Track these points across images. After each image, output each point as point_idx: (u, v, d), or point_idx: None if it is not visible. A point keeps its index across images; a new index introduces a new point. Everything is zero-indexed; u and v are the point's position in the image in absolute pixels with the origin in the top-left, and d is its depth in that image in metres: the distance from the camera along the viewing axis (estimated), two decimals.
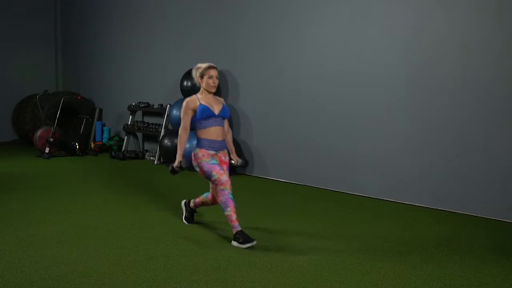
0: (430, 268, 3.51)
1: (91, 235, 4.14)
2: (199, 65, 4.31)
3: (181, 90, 7.49)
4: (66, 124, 9.43)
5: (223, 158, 4.24)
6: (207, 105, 4.17)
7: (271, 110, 6.91)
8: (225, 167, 4.23)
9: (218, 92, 7.65)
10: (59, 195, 5.67)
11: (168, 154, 7.70)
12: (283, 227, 4.48)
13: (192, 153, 4.22)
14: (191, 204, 4.55)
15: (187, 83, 7.40)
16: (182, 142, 4.23)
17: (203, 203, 4.47)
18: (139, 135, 9.10)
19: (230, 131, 4.48)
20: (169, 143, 7.68)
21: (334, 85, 6.17)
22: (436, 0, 5.31)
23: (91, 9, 10.20)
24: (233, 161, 4.42)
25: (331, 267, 3.50)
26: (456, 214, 5.09)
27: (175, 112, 7.60)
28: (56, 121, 8.74)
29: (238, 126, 7.44)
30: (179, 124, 8.09)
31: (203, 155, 4.12)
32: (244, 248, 3.83)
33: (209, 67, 4.24)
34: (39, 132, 8.71)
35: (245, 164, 4.38)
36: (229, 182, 4.01)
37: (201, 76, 4.24)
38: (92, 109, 9.80)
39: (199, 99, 4.22)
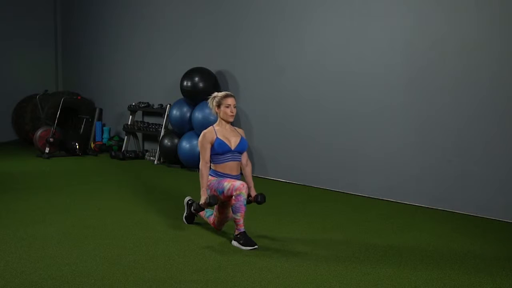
0: (430, 268, 3.51)
1: (91, 235, 4.14)
2: (215, 94, 4.19)
3: (181, 90, 7.49)
4: (66, 124, 9.42)
5: None
6: (223, 139, 4.02)
7: (271, 110, 6.91)
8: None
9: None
10: (59, 195, 5.67)
11: (168, 154, 7.71)
12: (283, 227, 4.48)
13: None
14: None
15: (187, 83, 7.40)
16: (204, 177, 4.02)
17: (202, 217, 4.42)
18: (139, 135, 9.10)
19: (250, 164, 4.28)
20: (169, 143, 7.68)
21: (334, 85, 6.17)
22: (436, 0, 5.31)
23: (92, 9, 10.20)
24: (250, 198, 4.09)
25: (331, 267, 3.49)
26: (456, 214, 5.09)
27: (175, 112, 7.60)
28: (56, 121, 8.74)
29: (238, 126, 7.43)
30: (179, 124, 8.16)
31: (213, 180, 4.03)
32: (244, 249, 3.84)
33: (226, 96, 4.10)
34: (39, 132, 8.71)
35: (263, 199, 4.09)
36: (245, 186, 3.88)
37: (218, 106, 4.10)
38: (92, 109, 9.80)
39: (216, 131, 4.06)
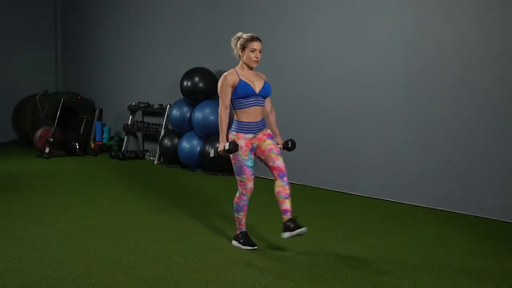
0: (430, 268, 3.51)
1: (91, 235, 4.14)
2: (239, 34, 3.78)
3: (181, 90, 7.49)
4: (66, 124, 9.42)
5: (264, 137, 3.79)
6: (247, 81, 3.71)
7: None
8: (273, 147, 3.75)
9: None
10: (59, 195, 5.67)
11: (168, 154, 7.71)
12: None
13: (228, 136, 3.80)
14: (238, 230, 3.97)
15: (187, 83, 7.40)
16: (224, 123, 3.74)
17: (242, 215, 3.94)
18: (139, 135, 9.10)
19: (274, 112, 3.98)
20: (169, 143, 7.68)
21: (334, 85, 6.17)
22: (436, 0, 5.31)
23: (91, 9, 10.20)
24: (279, 145, 3.90)
25: (331, 267, 3.49)
26: (456, 214, 5.09)
27: (175, 112, 7.60)
28: (56, 121, 8.74)
29: None
30: (179, 124, 8.15)
31: (241, 148, 3.70)
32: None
33: (253, 39, 3.71)
34: (39, 132, 8.71)
35: (294, 145, 3.88)
36: (251, 191, 3.79)
37: (243, 48, 3.73)
38: (92, 109, 9.80)
39: (238, 74, 3.74)
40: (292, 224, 3.59)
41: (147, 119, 8.91)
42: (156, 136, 8.48)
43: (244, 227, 3.90)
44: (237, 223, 3.92)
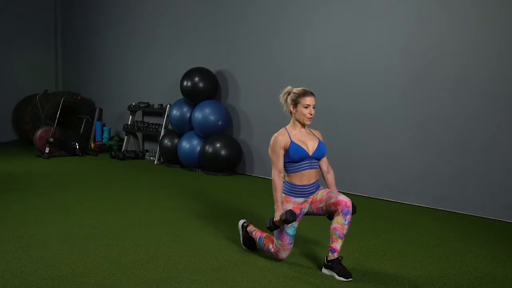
0: (430, 268, 3.51)
1: (91, 235, 4.14)
2: (289, 88, 3.55)
3: (181, 90, 7.49)
4: (66, 124, 9.43)
5: (316, 197, 3.50)
6: (299, 143, 3.44)
7: (271, 110, 6.90)
8: (330, 190, 3.50)
9: (220, 93, 7.66)
10: (59, 195, 5.67)
11: (168, 154, 7.71)
12: None
13: None
14: (250, 231, 3.79)
15: (187, 83, 7.40)
16: (278, 189, 3.42)
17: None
18: (139, 135, 9.10)
19: (332, 172, 3.65)
20: (169, 143, 7.68)
21: (334, 85, 6.17)
22: (436, 0, 5.31)
23: (91, 9, 10.21)
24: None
25: None
26: (456, 214, 5.09)
27: (175, 112, 7.60)
28: (56, 121, 8.74)
29: (238, 126, 7.44)
30: (179, 124, 8.14)
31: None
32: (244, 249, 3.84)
33: (305, 93, 3.46)
34: (39, 132, 8.71)
35: (354, 210, 3.38)
36: (283, 259, 3.56)
37: (295, 104, 3.47)
38: (92, 109, 9.80)
39: (290, 134, 3.47)
40: (346, 271, 3.27)
41: (147, 119, 8.91)
42: (156, 136, 8.48)
43: (254, 234, 3.77)
44: (251, 231, 3.75)
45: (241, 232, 3.84)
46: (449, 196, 5.21)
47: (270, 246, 3.56)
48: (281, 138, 3.46)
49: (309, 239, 4.17)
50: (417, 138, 5.46)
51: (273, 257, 3.64)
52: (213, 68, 7.58)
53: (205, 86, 7.34)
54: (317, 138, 3.55)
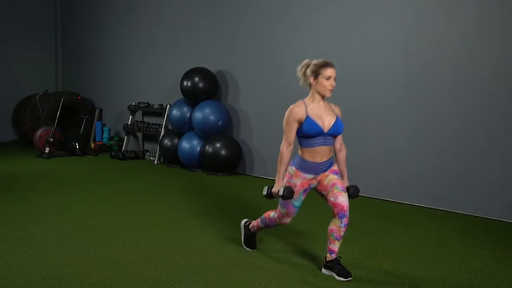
0: (430, 268, 3.51)
1: (91, 235, 4.14)
2: (307, 61, 3.42)
3: (181, 90, 7.49)
4: (66, 124, 9.43)
5: (327, 172, 3.40)
6: (315, 118, 3.30)
7: (271, 110, 6.91)
8: (337, 182, 3.36)
9: (220, 93, 7.66)
10: (59, 195, 5.67)
11: (168, 154, 7.71)
12: (282, 227, 4.47)
13: (288, 168, 3.42)
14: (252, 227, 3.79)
15: (187, 83, 7.40)
16: (284, 162, 3.34)
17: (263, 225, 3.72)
18: (139, 135, 9.10)
19: (344, 150, 3.59)
20: (169, 143, 7.68)
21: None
22: (436, 0, 5.31)
23: (91, 9, 10.20)
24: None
25: None
26: (456, 214, 5.09)
27: (175, 112, 7.60)
28: (56, 121, 8.74)
29: (238, 126, 7.44)
30: (179, 124, 8.13)
31: (295, 186, 3.37)
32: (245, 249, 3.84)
33: (327, 65, 3.31)
34: (39, 132, 8.71)
35: (356, 192, 3.43)
36: (285, 224, 3.59)
37: (315, 75, 3.32)
38: (92, 109, 9.80)
39: (307, 108, 3.33)
40: (345, 270, 3.27)
41: (147, 119, 8.91)
42: (156, 136, 8.48)
43: (256, 232, 3.81)
44: (254, 226, 3.76)
45: (243, 231, 3.85)
46: (449, 196, 5.21)
47: (272, 214, 3.56)
48: (297, 110, 3.31)
49: (309, 238, 4.17)
50: (417, 138, 5.46)
51: (273, 256, 3.64)
52: (213, 68, 7.59)
53: (205, 86, 7.34)
54: (335, 114, 3.44)
